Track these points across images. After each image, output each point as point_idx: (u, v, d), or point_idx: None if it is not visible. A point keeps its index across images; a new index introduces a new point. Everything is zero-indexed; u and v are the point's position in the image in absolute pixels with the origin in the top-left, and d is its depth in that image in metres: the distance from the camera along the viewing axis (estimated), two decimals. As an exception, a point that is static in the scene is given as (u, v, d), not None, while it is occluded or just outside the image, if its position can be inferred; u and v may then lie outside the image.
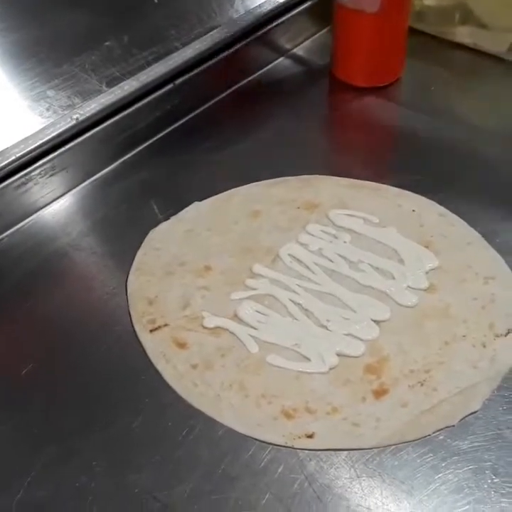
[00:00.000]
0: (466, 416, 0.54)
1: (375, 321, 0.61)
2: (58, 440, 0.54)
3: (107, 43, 0.80)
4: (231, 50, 0.86)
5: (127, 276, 0.66)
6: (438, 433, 0.53)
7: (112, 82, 0.77)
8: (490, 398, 0.55)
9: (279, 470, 0.52)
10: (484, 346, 0.59)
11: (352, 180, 0.74)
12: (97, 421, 0.55)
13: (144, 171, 0.78)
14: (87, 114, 0.74)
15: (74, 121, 0.73)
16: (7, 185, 0.70)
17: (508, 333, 0.59)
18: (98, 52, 0.79)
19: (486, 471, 0.51)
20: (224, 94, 0.88)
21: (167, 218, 0.72)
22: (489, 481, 0.50)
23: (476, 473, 0.51)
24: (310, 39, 0.96)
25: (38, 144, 0.71)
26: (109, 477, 0.52)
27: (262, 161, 0.78)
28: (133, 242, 0.69)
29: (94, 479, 0.52)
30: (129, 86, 0.77)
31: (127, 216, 0.73)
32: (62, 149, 0.73)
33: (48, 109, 0.74)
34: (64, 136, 0.73)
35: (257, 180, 0.75)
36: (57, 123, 0.73)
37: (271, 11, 0.89)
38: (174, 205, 0.73)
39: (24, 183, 0.71)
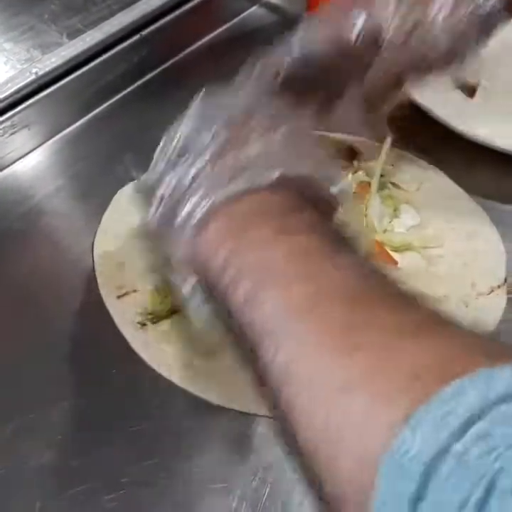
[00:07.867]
0: (448, 379, 0.53)
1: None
2: (21, 413, 0.52)
3: (67, -9, 0.76)
4: (202, -3, 0.82)
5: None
6: (419, 397, 0.52)
7: (73, 34, 0.73)
8: (472, 360, 0.54)
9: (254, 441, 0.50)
10: (466, 306, 0.57)
11: (327, 134, 0.71)
12: (62, 392, 0.53)
13: (113, 127, 0.74)
14: (48, 69, 0.70)
15: (33, 76, 0.69)
16: (-36, 145, 0.67)
17: (491, 291, 0.57)
18: (58, 1, 0.75)
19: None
20: (195, 46, 0.84)
21: (140, 176, 0.69)
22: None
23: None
24: (285, -15, 0.92)
25: (-4, 100, 0.68)
26: (74, 452, 0.50)
27: (237, 115, 0.75)
28: (103, 202, 0.66)
29: (59, 454, 0.50)
30: (91, 38, 0.73)
31: (98, 174, 0.70)
32: (23, 106, 0.69)
33: (5, 63, 0.70)
34: (23, 91, 0.69)
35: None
36: (15, 78, 0.69)
37: (243, -46, 0.85)
38: (147, 162, 0.69)
39: (-18, 143, 0.68)
